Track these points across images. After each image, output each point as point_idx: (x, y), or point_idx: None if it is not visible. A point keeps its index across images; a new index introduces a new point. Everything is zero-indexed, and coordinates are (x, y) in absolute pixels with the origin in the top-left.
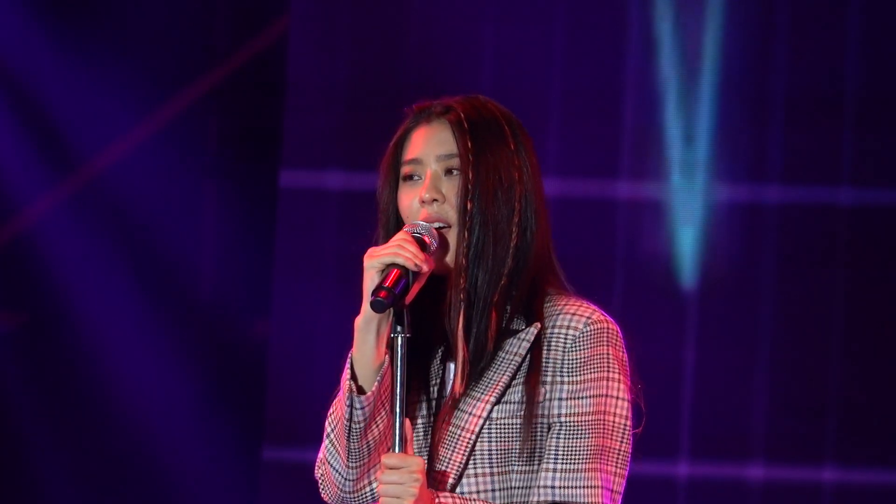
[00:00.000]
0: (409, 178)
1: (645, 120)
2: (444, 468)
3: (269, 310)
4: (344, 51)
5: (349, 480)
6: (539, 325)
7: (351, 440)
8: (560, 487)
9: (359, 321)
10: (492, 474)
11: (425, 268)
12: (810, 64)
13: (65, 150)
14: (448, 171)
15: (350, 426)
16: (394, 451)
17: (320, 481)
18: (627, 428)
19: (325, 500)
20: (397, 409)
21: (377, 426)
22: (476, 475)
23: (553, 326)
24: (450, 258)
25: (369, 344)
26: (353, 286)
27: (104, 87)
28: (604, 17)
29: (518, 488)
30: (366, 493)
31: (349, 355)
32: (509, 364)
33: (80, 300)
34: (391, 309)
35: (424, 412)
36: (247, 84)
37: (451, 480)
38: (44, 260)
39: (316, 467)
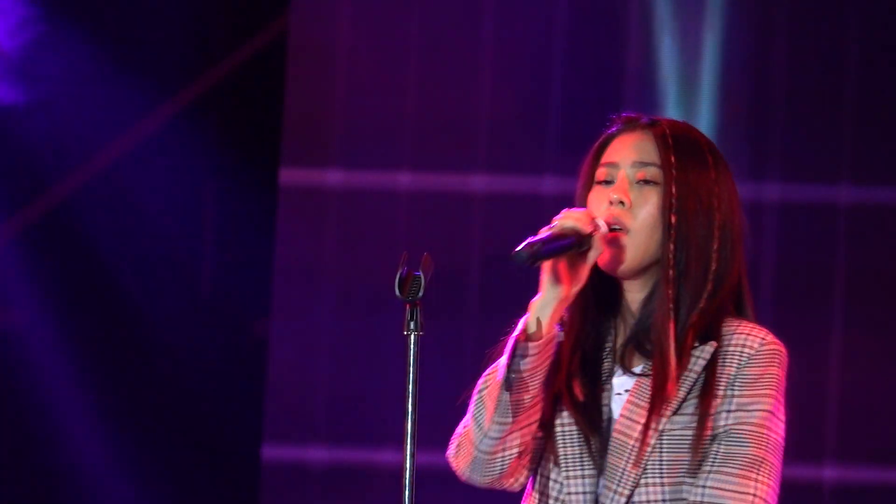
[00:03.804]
0: (603, 181)
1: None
2: (618, 479)
3: (268, 309)
4: (344, 50)
5: (489, 438)
6: (714, 345)
7: (505, 390)
8: (711, 488)
9: (534, 302)
10: (662, 485)
11: (588, 229)
12: (810, 63)
13: (65, 148)
14: (641, 180)
15: (508, 374)
16: (405, 453)
17: (455, 451)
18: (782, 448)
19: (457, 469)
20: (409, 407)
21: (532, 389)
22: (647, 485)
23: (728, 345)
24: (626, 264)
25: (542, 322)
26: (353, 284)
27: (104, 86)
28: (604, 18)
29: (688, 500)
30: (496, 461)
31: (522, 323)
32: (685, 379)
33: (79, 298)
34: (558, 292)
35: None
36: (247, 83)
37: (626, 491)
38: (43, 257)
39: (450, 443)
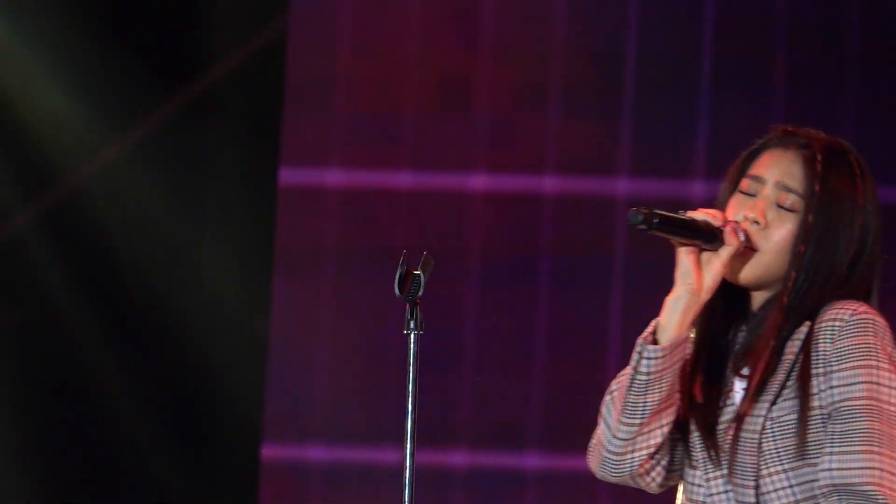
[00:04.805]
0: (745, 191)
1: (644, 118)
2: (743, 472)
3: (268, 308)
4: (344, 49)
5: (617, 438)
6: (808, 324)
7: (631, 391)
8: (837, 469)
9: (668, 299)
10: (784, 471)
11: (718, 223)
12: (810, 61)
13: (65, 147)
14: (781, 204)
15: (634, 376)
16: (405, 452)
17: (589, 452)
18: None
19: (591, 469)
20: (409, 406)
21: (658, 392)
22: (770, 474)
23: (821, 322)
24: (745, 273)
25: (674, 321)
26: (353, 284)
27: (104, 85)
28: (603, 18)
29: (815, 481)
30: (626, 461)
31: (653, 323)
32: (782, 363)
33: (79, 298)
34: (690, 288)
35: (723, 420)
36: (247, 82)
37: (751, 483)
38: (43, 258)
39: (589, 447)
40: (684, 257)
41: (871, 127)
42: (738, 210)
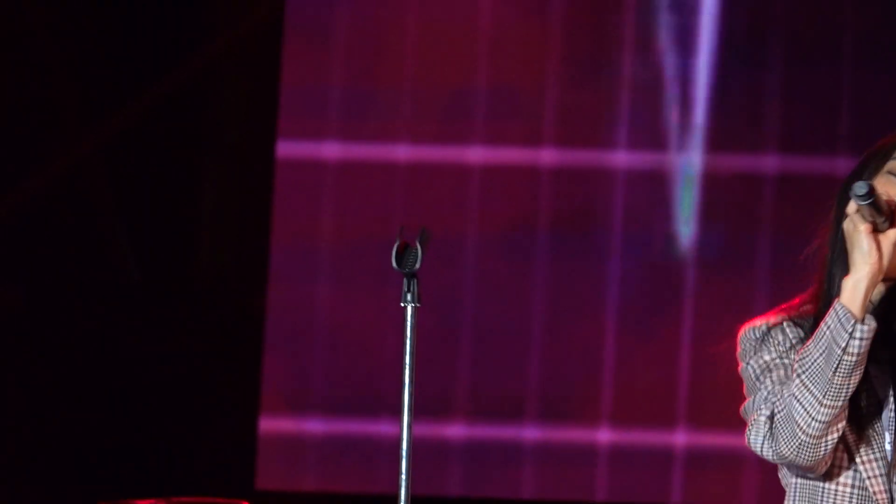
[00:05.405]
0: (894, 173)
1: (642, 89)
2: None
3: (265, 281)
4: (341, 23)
5: (817, 422)
6: None
7: (837, 373)
8: None
9: (848, 279)
10: None
11: (893, 203)
12: (810, 34)
13: (61, 124)
14: None
15: (842, 357)
16: (402, 424)
17: (764, 434)
18: None
19: (772, 451)
20: (406, 378)
21: (859, 374)
22: None
23: None
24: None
25: (858, 302)
26: (350, 256)
27: (101, 61)
28: None
29: None
30: (822, 445)
31: (843, 306)
32: None
33: (78, 273)
34: (872, 268)
35: (888, 414)
36: (244, 56)
37: None
38: (42, 233)
39: (750, 427)
40: (865, 237)
41: (869, 102)
42: (885, 190)
